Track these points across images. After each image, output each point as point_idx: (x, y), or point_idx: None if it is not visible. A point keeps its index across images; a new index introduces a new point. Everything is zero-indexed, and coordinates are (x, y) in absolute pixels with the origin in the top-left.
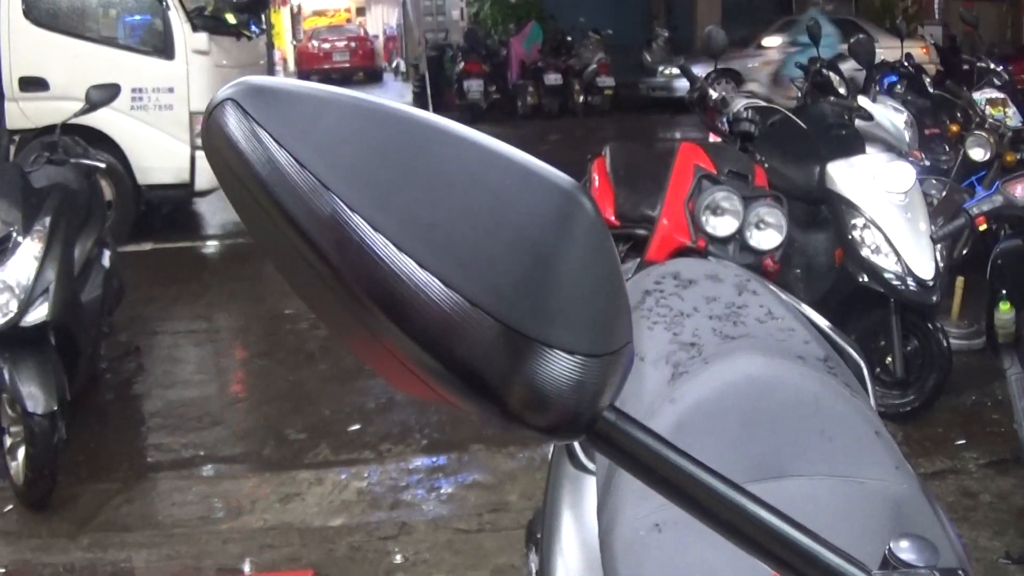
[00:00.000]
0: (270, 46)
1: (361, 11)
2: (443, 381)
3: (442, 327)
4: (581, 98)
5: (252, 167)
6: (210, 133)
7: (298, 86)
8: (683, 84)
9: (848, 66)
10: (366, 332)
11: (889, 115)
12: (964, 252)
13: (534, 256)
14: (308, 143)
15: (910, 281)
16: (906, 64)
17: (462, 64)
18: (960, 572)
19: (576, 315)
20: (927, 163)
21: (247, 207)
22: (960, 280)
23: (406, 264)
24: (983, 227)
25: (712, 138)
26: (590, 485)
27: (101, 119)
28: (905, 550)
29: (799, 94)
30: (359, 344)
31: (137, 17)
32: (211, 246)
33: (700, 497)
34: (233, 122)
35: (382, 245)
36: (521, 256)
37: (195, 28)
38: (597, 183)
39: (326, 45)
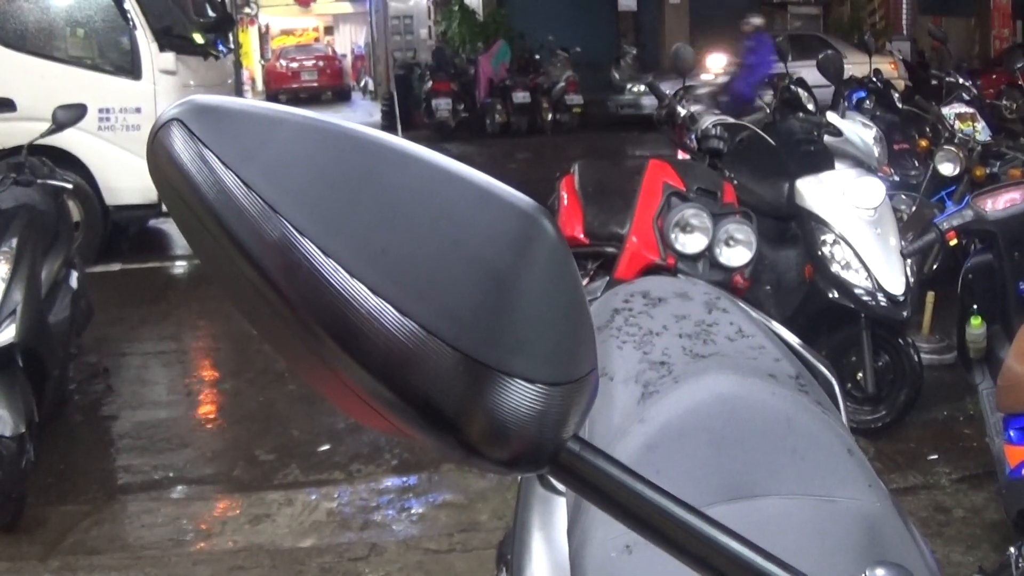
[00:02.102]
0: (238, 65)
1: (329, 30)
2: (398, 412)
3: (396, 356)
4: (549, 116)
5: (198, 190)
6: (155, 154)
7: (246, 105)
8: (651, 101)
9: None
10: (318, 362)
11: (858, 131)
12: (934, 267)
13: (493, 281)
14: (256, 165)
15: (880, 297)
16: (875, 80)
17: (430, 83)
18: None
19: (537, 342)
20: (896, 178)
21: (194, 231)
22: (931, 295)
23: (358, 290)
24: (953, 242)
25: (681, 155)
26: (560, 506)
27: (68, 139)
28: None
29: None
30: (312, 374)
31: (104, 37)
32: (180, 266)
33: (669, 529)
34: (179, 143)
35: (333, 271)
36: (479, 281)
37: (162, 48)
38: (566, 201)
39: (294, 64)
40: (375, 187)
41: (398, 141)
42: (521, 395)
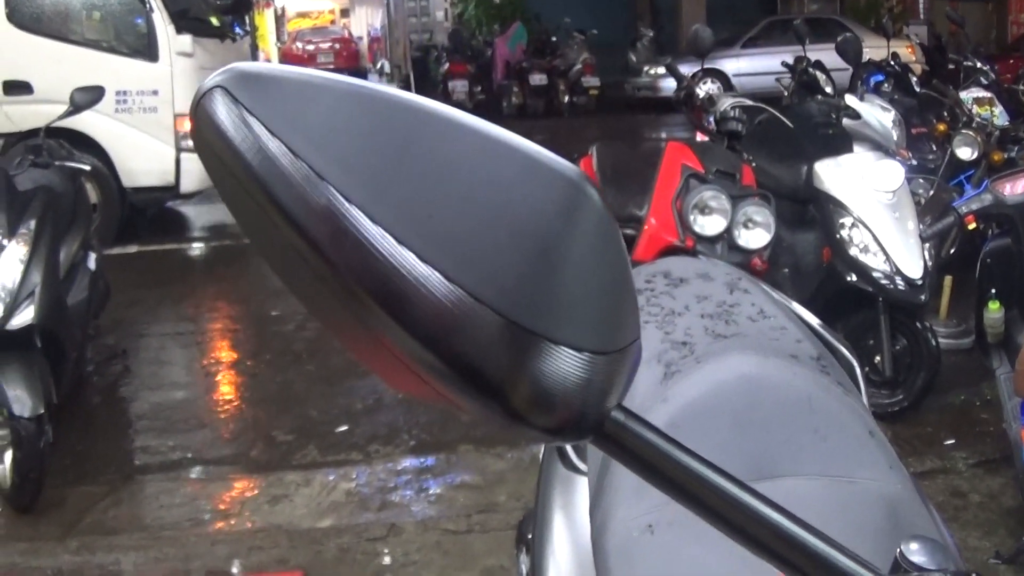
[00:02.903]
0: (254, 48)
1: (345, 12)
2: (444, 379)
3: (443, 322)
4: (566, 98)
5: (242, 157)
6: (198, 122)
7: (290, 72)
8: (668, 84)
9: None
10: (364, 329)
11: (876, 114)
12: (952, 251)
13: (538, 248)
14: (301, 131)
15: (898, 280)
16: (892, 63)
17: (447, 65)
18: (975, 575)
19: (583, 310)
20: (915, 162)
21: (238, 200)
22: (948, 279)
23: (405, 257)
24: (972, 226)
25: (699, 137)
26: (582, 486)
27: (86, 122)
28: (916, 552)
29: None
30: (357, 343)
31: (121, 20)
32: (197, 248)
33: (711, 499)
34: (222, 110)
35: (380, 237)
36: (525, 248)
37: (179, 30)
38: None
39: (310, 47)
40: (421, 153)
41: (443, 107)
42: (567, 363)
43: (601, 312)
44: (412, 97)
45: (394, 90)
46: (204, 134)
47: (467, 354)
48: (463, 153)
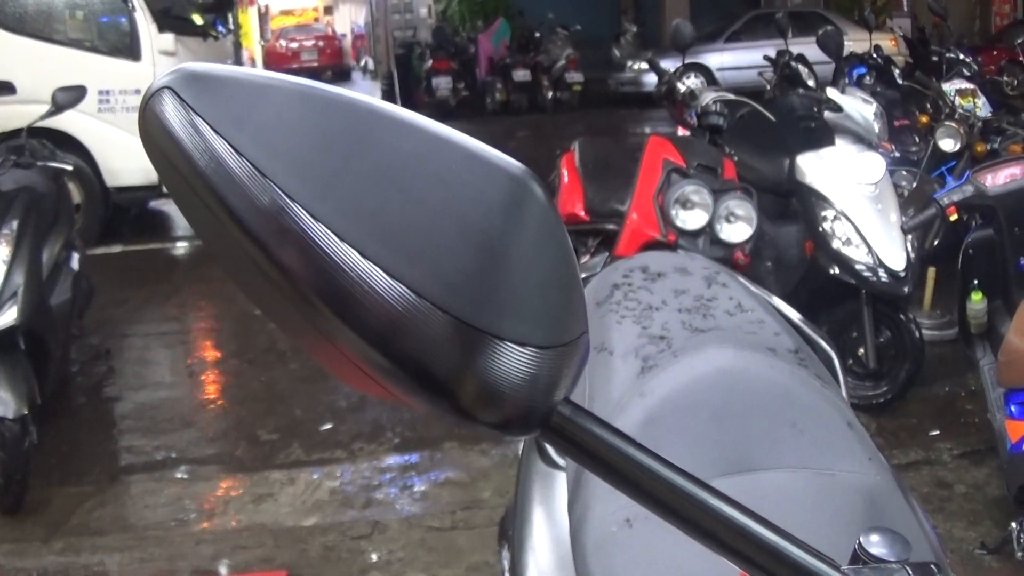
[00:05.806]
0: (237, 46)
1: (329, 10)
2: (391, 377)
3: (387, 320)
4: (550, 94)
5: (190, 157)
6: (146, 123)
7: (237, 72)
8: (652, 79)
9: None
10: (312, 329)
11: (858, 107)
12: (935, 243)
13: (483, 244)
14: (246, 130)
15: (881, 272)
16: (875, 56)
17: (430, 62)
18: (932, 566)
19: (528, 305)
20: (897, 154)
21: (187, 200)
22: (931, 271)
23: (348, 254)
24: (954, 217)
25: (681, 132)
26: (561, 481)
27: (68, 121)
28: (875, 544)
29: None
30: (309, 343)
31: (103, 19)
32: (181, 247)
33: (660, 492)
34: (170, 111)
35: (323, 235)
36: (469, 244)
37: (161, 29)
38: (566, 178)
39: (294, 44)
40: (365, 151)
41: (388, 106)
42: (512, 358)
43: (546, 307)
44: (357, 96)
45: (340, 89)
46: (152, 135)
47: (412, 351)
48: (408, 151)
